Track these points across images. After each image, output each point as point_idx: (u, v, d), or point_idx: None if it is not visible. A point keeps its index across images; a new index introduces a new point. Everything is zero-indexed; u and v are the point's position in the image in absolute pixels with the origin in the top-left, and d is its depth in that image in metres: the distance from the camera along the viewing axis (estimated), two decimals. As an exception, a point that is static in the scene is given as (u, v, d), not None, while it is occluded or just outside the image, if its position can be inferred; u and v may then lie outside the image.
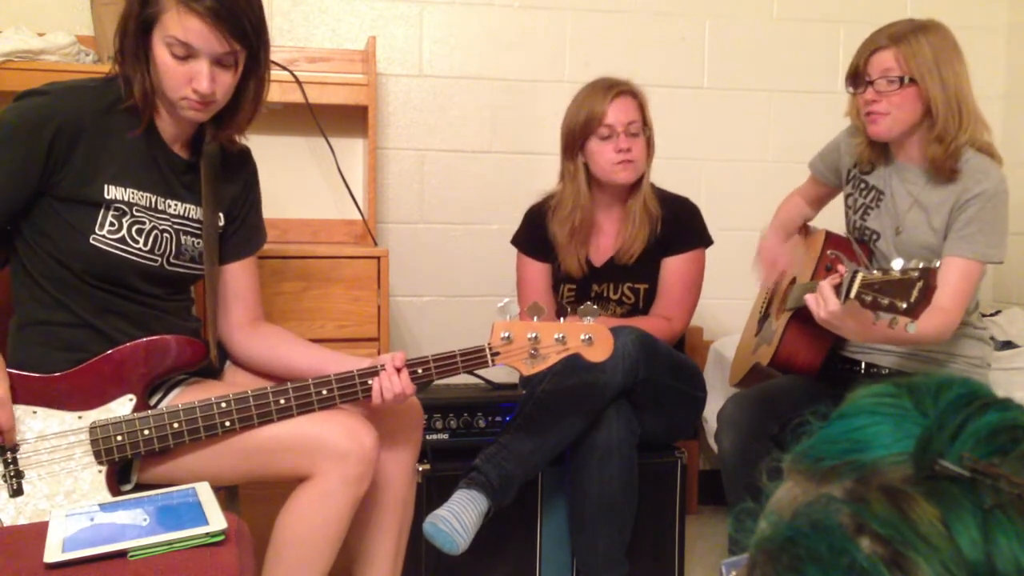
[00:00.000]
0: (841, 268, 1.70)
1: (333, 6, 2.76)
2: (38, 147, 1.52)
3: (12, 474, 1.50)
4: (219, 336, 1.78)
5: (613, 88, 2.19)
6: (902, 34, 1.87)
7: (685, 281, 2.27)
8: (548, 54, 2.87)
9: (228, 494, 1.77)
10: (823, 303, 1.71)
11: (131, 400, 1.58)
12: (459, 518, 1.85)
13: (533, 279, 2.33)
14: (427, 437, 2.11)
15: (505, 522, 2.04)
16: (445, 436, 2.20)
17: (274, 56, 2.45)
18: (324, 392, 1.63)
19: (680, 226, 2.27)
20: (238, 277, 1.79)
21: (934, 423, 0.47)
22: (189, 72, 1.54)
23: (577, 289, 2.30)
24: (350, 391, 1.64)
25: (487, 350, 1.68)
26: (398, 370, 1.65)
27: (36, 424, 1.53)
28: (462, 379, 2.41)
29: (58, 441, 1.53)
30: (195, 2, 1.50)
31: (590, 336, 1.70)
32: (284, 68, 2.44)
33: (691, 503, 2.78)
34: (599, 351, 1.71)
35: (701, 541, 2.61)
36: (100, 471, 1.54)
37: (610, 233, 2.30)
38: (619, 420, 2.00)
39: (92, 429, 1.54)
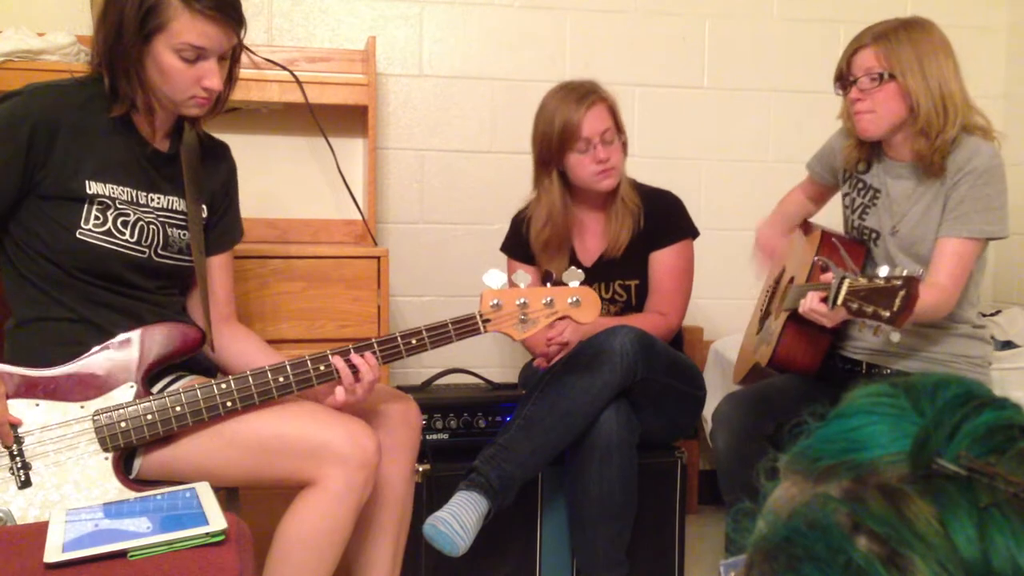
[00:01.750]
0: (828, 275, 1.72)
1: (333, 6, 2.76)
2: (17, 146, 1.55)
3: (19, 466, 1.52)
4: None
5: (585, 98, 2.17)
6: (884, 32, 1.88)
7: (675, 274, 2.28)
8: (548, 54, 2.87)
9: (228, 494, 1.77)
10: (809, 302, 1.76)
11: (132, 387, 1.59)
12: (459, 519, 1.85)
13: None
14: (427, 437, 2.11)
15: (505, 522, 2.04)
16: (445, 436, 2.20)
17: (274, 56, 2.48)
18: (322, 368, 1.65)
19: (664, 219, 2.28)
20: (214, 273, 1.80)
21: (931, 422, 0.47)
22: (198, 73, 1.58)
23: None
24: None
25: (478, 317, 1.70)
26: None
27: (39, 416, 1.55)
28: (462, 379, 2.42)
29: (62, 431, 1.55)
30: (207, 8, 1.54)
31: (577, 298, 1.72)
32: (284, 68, 2.44)
33: (691, 503, 2.78)
34: (587, 312, 1.73)
35: (701, 541, 2.61)
36: (106, 458, 1.56)
37: (595, 233, 2.31)
38: (619, 420, 2.00)
39: (95, 417, 1.56)
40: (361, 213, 2.59)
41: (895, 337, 1.62)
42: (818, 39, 2.99)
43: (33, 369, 1.57)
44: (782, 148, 2.99)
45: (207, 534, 1.27)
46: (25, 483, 1.52)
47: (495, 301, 1.70)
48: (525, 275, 1.71)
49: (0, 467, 1.52)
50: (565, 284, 1.72)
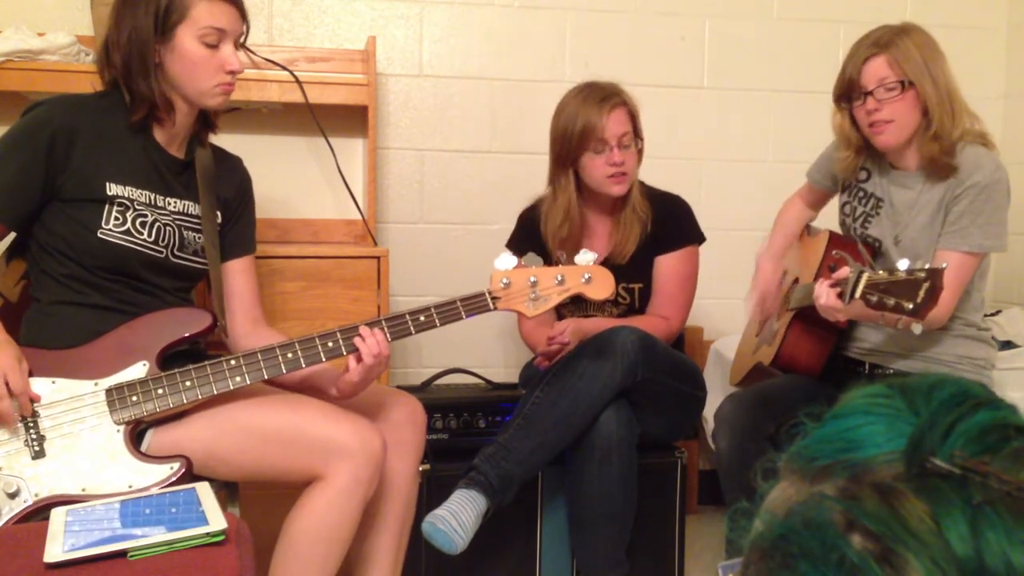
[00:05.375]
0: (843, 270, 1.70)
1: (333, 6, 2.76)
2: (38, 150, 1.62)
3: (34, 437, 1.57)
4: (221, 338, 1.82)
5: (608, 100, 2.17)
6: (887, 39, 1.87)
7: (679, 279, 2.28)
8: (548, 54, 2.88)
9: (228, 494, 1.78)
10: (824, 297, 1.73)
11: (144, 365, 1.64)
12: (458, 517, 1.85)
13: None
14: (427, 437, 2.11)
15: (505, 522, 2.05)
16: (445, 436, 2.20)
17: (274, 56, 2.48)
18: (330, 344, 1.67)
19: (672, 224, 2.28)
20: (237, 278, 1.84)
21: (926, 422, 0.47)
22: (218, 58, 1.68)
23: None
24: (350, 343, 1.69)
25: (487, 295, 1.70)
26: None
27: (55, 393, 1.60)
28: (462, 379, 2.42)
29: (76, 404, 1.60)
30: None
31: (589, 276, 1.71)
32: (284, 68, 2.44)
33: (691, 503, 2.78)
34: (599, 288, 1.73)
35: (701, 541, 2.61)
36: (118, 431, 1.59)
37: (602, 235, 2.30)
38: (619, 420, 2.00)
39: (108, 391, 1.61)
40: (361, 213, 2.59)
41: (917, 329, 1.60)
42: (818, 39, 2.99)
43: (50, 350, 1.63)
44: (782, 148, 2.99)
45: (207, 534, 1.28)
46: (39, 454, 1.56)
47: (505, 280, 1.70)
48: (536, 257, 1.71)
49: (16, 438, 1.56)
50: (576, 263, 1.72)
